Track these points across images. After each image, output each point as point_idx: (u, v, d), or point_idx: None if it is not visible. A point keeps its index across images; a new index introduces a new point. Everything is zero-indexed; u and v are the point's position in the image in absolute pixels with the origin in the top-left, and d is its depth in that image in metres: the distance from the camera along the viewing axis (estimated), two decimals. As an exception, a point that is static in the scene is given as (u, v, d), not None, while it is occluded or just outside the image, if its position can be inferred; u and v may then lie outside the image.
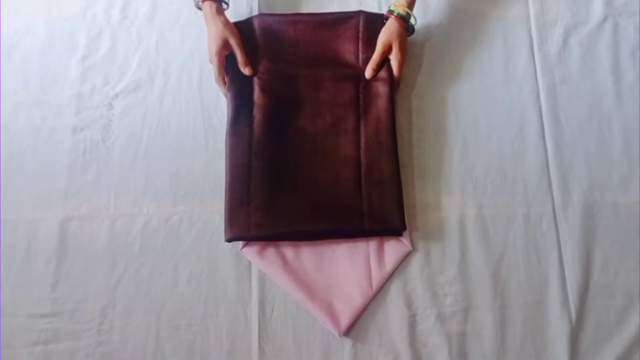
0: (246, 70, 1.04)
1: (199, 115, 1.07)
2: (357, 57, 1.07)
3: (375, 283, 0.95)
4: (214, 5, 1.04)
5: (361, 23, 1.09)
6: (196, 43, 1.12)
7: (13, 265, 0.97)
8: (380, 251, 0.97)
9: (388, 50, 1.04)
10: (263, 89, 1.04)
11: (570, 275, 0.96)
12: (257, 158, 0.99)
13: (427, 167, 1.03)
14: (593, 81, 1.08)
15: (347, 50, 1.08)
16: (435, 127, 1.06)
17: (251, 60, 1.06)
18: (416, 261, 0.97)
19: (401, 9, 1.04)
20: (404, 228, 0.97)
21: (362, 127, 1.02)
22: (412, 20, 1.06)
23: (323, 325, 0.93)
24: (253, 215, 0.96)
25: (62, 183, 1.02)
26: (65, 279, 0.97)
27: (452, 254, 0.97)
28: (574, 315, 0.93)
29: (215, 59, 1.03)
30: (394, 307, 0.94)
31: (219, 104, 1.07)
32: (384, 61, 1.05)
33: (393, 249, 0.97)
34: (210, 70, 1.09)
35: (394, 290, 0.95)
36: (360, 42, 1.08)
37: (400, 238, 0.97)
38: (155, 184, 1.02)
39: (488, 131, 1.05)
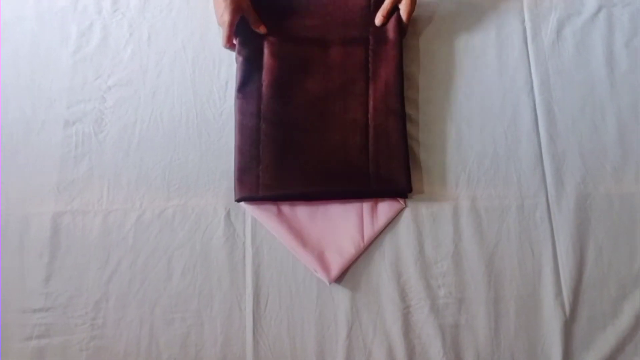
0: (261, 29, 1.05)
1: (191, 107, 1.06)
2: (366, 21, 1.08)
3: (367, 236, 0.96)
4: None
5: None
6: (188, 35, 1.11)
7: (5, 260, 0.97)
8: (373, 206, 0.99)
9: None
10: (272, 53, 1.05)
11: (564, 266, 0.96)
12: (266, 121, 1.01)
13: (420, 158, 1.03)
14: (587, 72, 1.08)
15: (357, 14, 1.09)
16: (429, 118, 1.05)
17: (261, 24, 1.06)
18: (410, 252, 0.97)
19: None
20: (410, 190, 0.98)
21: (370, 91, 1.04)
22: None
23: (313, 273, 0.95)
24: (262, 177, 0.97)
25: (54, 177, 1.02)
26: (58, 273, 0.96)
27: (445, 246, 0.97)
28: (567, 307, 0.94)
29: (230, 15, 1.02)
30: (387, 299, 0.95)
31: (211, 97, 1.07)
32: (394, 10, 1.06)
33: (387, 204, 0.99)
34: (203, 61, 1.09)
35: (388, 282, 0.95)
36: (372, 6, 1.09)
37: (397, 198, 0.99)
38: (148, 177, 1.02)
39: (481, 122, 1.05)
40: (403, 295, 0.95)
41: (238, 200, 0.98)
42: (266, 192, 0.97)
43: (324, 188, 0.98)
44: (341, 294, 0.95)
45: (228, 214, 0.99)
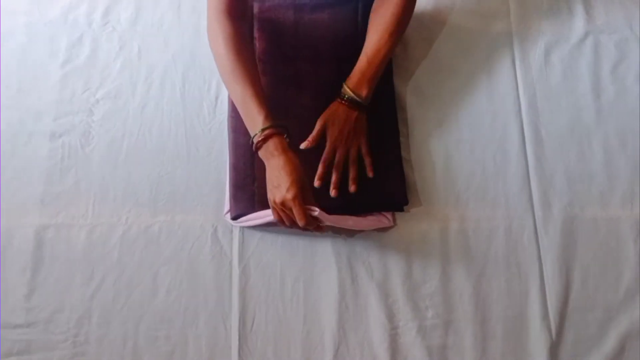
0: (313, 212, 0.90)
1: (181, 122, 1.05)
2: (356, 38, 1.08)
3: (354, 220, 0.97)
4: (284, 140, 0.90)
5: (360, 5, 1.10)
6: (179, 50, 1.11)
7: (-14, 273, 0.95)
8: (359, 223, 0.98)
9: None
10: (264, 71, 1.04)
11: (551, 289, 0.96)
12: None
13: (410, 178, 1.03)
14: (574, 97, 1.10)
15: (347, 31, 1.09)
16: (418, 139, 1.06)
17: (252, 42, 1.04)
18: (398, 273, 0.97)
19: (349, 92, 0.98)
20: (406, 202, 1.00)
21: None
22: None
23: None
24: (257, 194, 0.97)
25: (39, 189, 1.00)
26: (41, 288, 0.94)
27: (433, 267, 0.97)
28: (553, 330, 0.94)
29: (297, 189, 0.86)
30: (375, 320, 0.94)
31: (201, 112, 1.06)
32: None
33: (374, 219, 0.99)
34: (193, 77, 1.09)
35: (376, 303, 0.95)
36: (360, 25, 1.09)
37: (385, 214, 0.99)
38: (135, 192, 1.01)
39: (470, 144, 1.06)
40: (391, 316, 0.94)
41: (234, 218, 0.97)
42: (262, 208, 0.96)
43: (319, 203, 0.97)
44: (328, 314, 0.94)
45: (215, 231, 0.98)
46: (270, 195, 0.90)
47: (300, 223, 0.87)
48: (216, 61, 0.94)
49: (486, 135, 1.06)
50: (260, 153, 0.91)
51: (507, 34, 1.15)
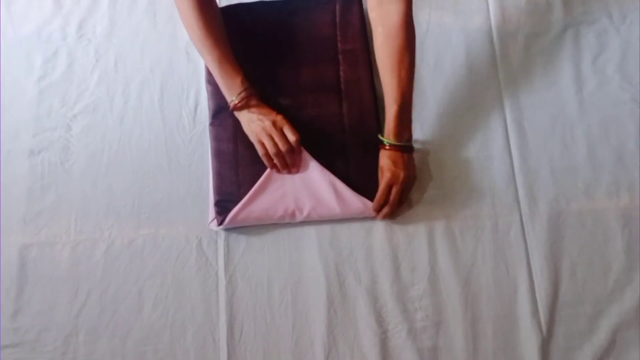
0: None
1: (160, 133, 1.05)
2: (335, 41, 1.08)
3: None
4: (260, 99, 0.99)
5: (337, 7, 1.10)
6: (156, 60, 1.10)
7: (-30, 295, 0.94)
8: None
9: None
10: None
11: (539, 285, 0.96)
12: (243, 145, 1.00)
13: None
14: (555, 90, 1.09)
15: (325, 34, 1.09)
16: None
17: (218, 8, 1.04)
18: (386, 276, 0.96)
19: (386, 137, 0.98)
20: None
21: (345, 111, 1.03)
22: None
23: None
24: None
25: (20, 208, 1.00)
26: (26, 307, 0.94)
27: (421, 268, 0.97)
28: (544, 326, 0.93)
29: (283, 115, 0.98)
30: (364, 324, 0.93)
31: (180, 122, 1.05)
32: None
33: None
34: (171, 86, 1.09)
35: (364, 307, 0.94)
36: (338, 27, 1.09)
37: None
38: (117, 206, 1.00)
39: (454, 142, 1.05)
40: (380, 320, 0.94)
41: (220, 224, 0.97)
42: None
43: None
44: (317, 321, 0.94)
45: (200, 242, 0.97)
46: (256, 128, 0.96)
47: (294, 137, 0.96)
48: (188, 30, 0.98)
49: (469, 132, 1.06)
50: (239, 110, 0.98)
51: (486, 29, 1.14)
